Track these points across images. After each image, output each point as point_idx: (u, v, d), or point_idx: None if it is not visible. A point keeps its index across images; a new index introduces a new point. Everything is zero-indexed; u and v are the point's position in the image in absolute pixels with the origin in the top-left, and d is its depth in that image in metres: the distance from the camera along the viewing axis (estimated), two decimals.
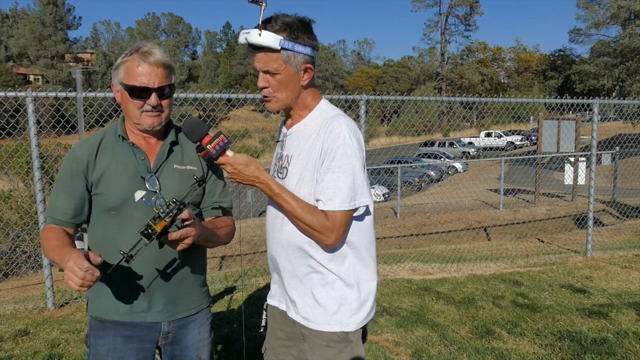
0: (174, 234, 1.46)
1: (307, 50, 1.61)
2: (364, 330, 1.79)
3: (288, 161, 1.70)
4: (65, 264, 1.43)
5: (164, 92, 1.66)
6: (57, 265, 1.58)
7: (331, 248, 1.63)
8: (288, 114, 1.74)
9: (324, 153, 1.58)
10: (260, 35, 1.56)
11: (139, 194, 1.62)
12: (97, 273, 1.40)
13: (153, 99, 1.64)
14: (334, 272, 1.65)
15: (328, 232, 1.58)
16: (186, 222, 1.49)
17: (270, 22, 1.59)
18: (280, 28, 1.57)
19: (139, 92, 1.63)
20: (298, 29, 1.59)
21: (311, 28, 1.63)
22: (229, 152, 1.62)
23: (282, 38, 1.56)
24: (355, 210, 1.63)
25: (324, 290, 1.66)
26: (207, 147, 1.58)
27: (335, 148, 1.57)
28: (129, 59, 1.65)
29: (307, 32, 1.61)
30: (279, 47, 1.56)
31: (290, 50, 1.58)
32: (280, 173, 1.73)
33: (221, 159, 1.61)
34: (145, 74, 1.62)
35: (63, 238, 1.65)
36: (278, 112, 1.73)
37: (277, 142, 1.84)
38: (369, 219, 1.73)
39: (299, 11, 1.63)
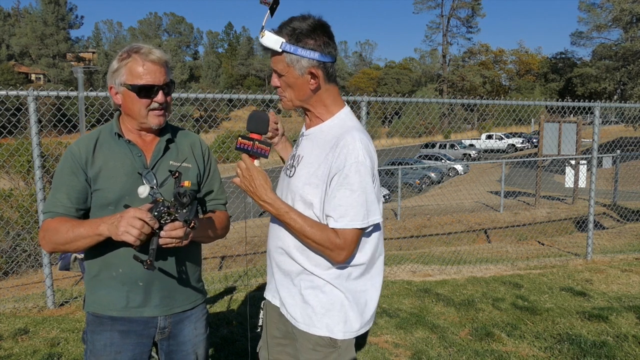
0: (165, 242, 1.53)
1: (312, 54, 1.58)
2: (363, 335, 1.77)
3: (298, 161, 1.71)
4: (122, 215, 1.47)
5: (169, 88, 1.73)
6: (83, 239, 1.58)
7: (341, 264, 1.63)
8: (306, 114, 1.75)
9: (336, 168, 1.57)
10: (263, 36, 1.58)
11: (143, 190, 1.60)
12: (156, 225, 1.47)
13: (160, 96, 1.70)
14: (323, 277, 1.64)
15: (338, 250, 1.57)
16: (174, 232, 1.52)
17: (282, 24, 1.60)
18: (285, 31, 1.58)
19: (146, 91, 1.67)
20: (303, 33, 1.57)
21: (323, 33, 1.61)
22: (257, 162, 1.66)
23: (284, 41, 1.57)
24: (367, 228, 1.62)
25: (313, 292, 1.65)
26: (255, 141, 1.64)
27: (349, 165, 1.55)
28: (129, 60, 1.67)
29: (316, 37, 1.59)
30: (280, 50, 1.58)
31: (292, 54, 1.58)
32: (289, 171, 1.75)
33: (247, 159, 1.64)
34: (150, 72, 1.67)
35: (77, 219, 1.67)
36: (292, 110, 1.76)
37: (294, 140, 1.86)
38: (375, 234, 1.71)
39: (299, 12, 1.62)
